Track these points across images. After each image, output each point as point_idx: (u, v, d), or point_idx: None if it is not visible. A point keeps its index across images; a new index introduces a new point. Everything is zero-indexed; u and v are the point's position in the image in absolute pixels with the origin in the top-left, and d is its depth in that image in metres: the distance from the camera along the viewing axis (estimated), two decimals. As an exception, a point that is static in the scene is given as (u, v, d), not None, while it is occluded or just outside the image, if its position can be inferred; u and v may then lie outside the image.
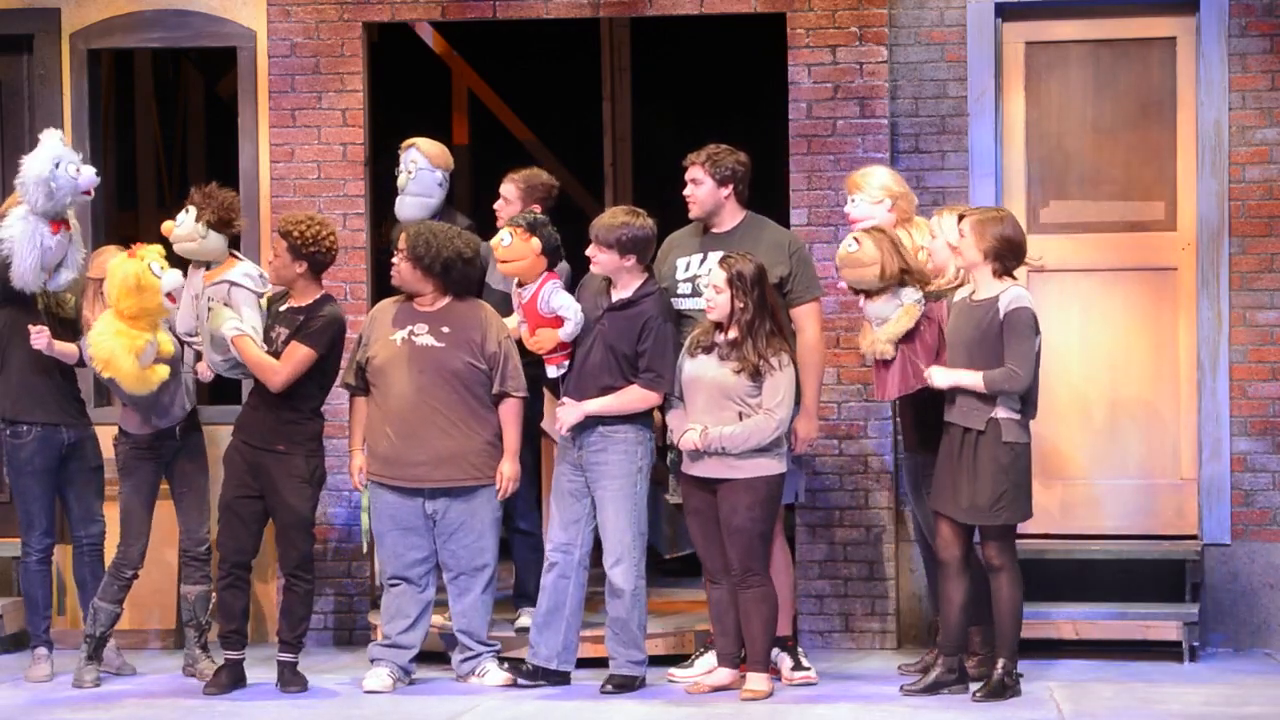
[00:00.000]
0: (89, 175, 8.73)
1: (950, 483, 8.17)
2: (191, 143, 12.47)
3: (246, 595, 8.61)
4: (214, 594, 8.78)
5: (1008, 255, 8.11)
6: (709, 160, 8.54)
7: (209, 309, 8.49)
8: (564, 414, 8.36)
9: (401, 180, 9.10)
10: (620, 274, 8.36)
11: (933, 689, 8.20)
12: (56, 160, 8.63)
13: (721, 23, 10.29)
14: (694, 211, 8.63)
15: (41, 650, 8.93)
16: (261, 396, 8.50)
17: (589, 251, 8.36)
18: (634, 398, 8.32)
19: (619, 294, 8.40)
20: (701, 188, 8.57)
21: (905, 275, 8.29)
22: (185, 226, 8.58)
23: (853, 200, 8.64)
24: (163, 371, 8.54)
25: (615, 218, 8.39)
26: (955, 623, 8.21)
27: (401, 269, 8.58)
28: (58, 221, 8.71)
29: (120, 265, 8.48)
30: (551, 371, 8.48)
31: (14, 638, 9.67)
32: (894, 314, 8.32)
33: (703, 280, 8.44)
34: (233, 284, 8.53)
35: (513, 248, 8.44)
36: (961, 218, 8.26)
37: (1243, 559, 9.35)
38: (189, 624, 8.91)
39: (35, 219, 8.66)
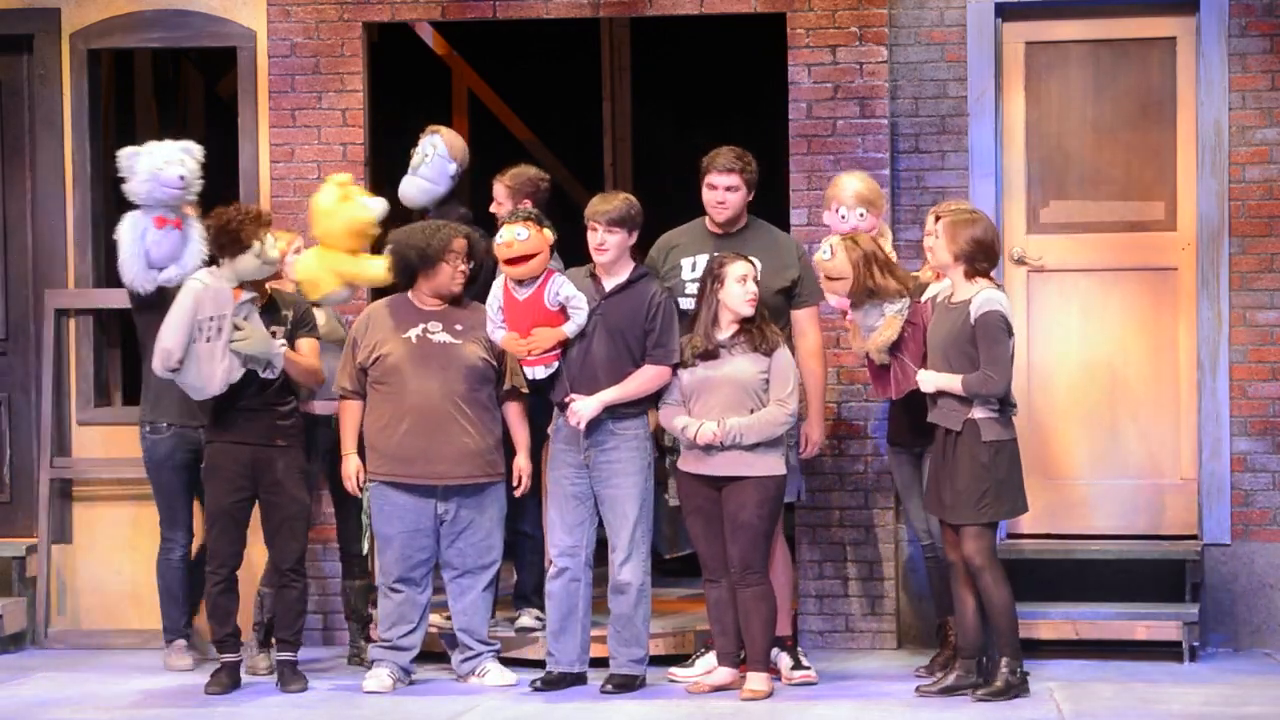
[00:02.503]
0: (172, 174, 8.76)
1: (936, 485, 8.19)
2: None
3: (238, 598, 8.61)
4: (371, 586, 8.95)
5: (979, 257, 8.10)
6: (745, 168, 8.57)
7: (237, 328, 8.34)
8: (581, 407, 8.32)
9: (415, 160, 9.08)
10: (624, 256, 8.35)
11: (950, 691, 8.18)
12: (149, 151, 8.79)
13: (721, 23, 10.29)
14: (724, 216, 8.60)
15: (180, 642, 9.09)
16: (252, 396, 8.43)
17: (598, 239, 8.31)
18: (649, 377, 8.30)
19: (615, 279, 8.37)
20: (737, 194, 8.58)
21: (872, 295, 8.28)
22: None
23: (861, 214, 8.53)
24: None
25: (611, 201, 8.37)
26: (971, 625, 8.18)
27: (467, 273, 8.60)
28: (164, 217, 8.75)
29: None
30: (540, 372, 8.40)
31: (14, 638, 9.67)
32: (878, 323, 8.34)
33: None
34: (249, 301, 8.48)
35: (531, 241, 8.35)
36: (937, 218, 8.26)
37: (1243, 559, 9.35)
38: (352, 616, 9.10)
39: (140, 215, 8.77)
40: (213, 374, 8.30)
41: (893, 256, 8.49)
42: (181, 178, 8.78)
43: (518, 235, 8.34)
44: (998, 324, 8.02)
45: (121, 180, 8.80)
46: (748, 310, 8.18)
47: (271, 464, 8.47)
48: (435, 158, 9.05)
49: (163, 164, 8.75)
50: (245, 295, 8.38)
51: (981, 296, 8.05)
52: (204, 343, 8.29)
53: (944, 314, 8.17)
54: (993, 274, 8.24)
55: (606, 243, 8.31)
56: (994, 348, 8.00)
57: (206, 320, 8.29)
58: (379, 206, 8.92)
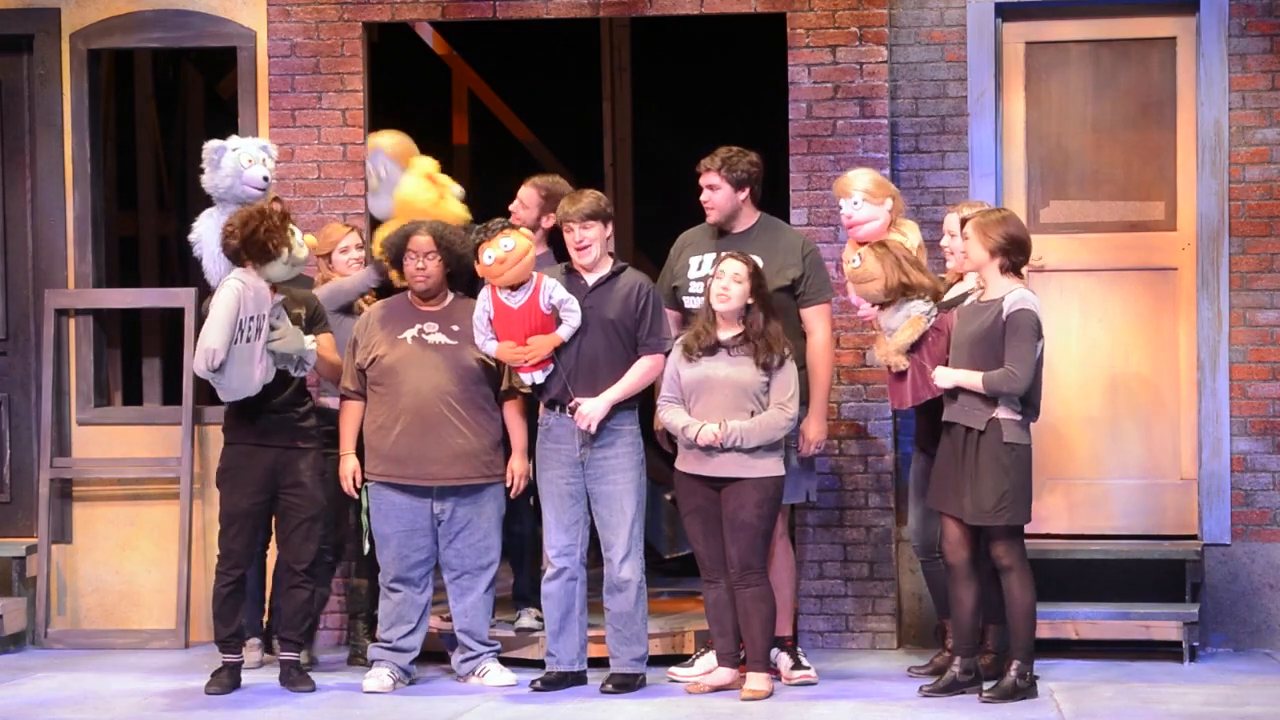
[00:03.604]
0: (256, 174, 8.84)
1: (952, 483, 8.16)
2: (191, 143, 12.44)
3: (244, 599, 8.60)
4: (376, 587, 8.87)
5: (1013, 251, 8.09)
6: (724, 165, 8.53)
7: (274, 327, 8.31)
8: (589, 410, 8.30)
9: (374, 185, 9.10)
10: (605, 250, 8.37)
11: (949, 690, 8.19)
12: (235, 146, 8.87)
13: (721, 23, 10.29)
14: (713, 217, 8.60)
15: (254, 639, 8.99)
16: (274, 398, 8.41)
17: (577, 238, 8.31)
18: (646, 369, 8.34)
19: (597, 273, 8.39)
20: (718, 193, 8.56)
21: (906, 289, 8.29)
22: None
23: (855, 202, 8.56)
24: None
25: (580, 200, 8.40)
26: (967, 626, 8.18)
27: (431, 270, 8.56)
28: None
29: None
30: (539, 377, 8.38)
31: (14, 638, 9.67)
32: (901, 325, 8.34)
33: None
34: (280, 302, 8.46)
35: (518, 246, 8.30)
36: (964, 222, 8.25)
37: (1243, 559, 9.35)
38: (358, 615, 9.08)
39: (218, 212, 8.82)
40: (251, 374, 8.24)
41: (922, 259, 8.47)
42: (265, 178, 8.89)
43: (505, 247, 8.32)
44: (1028, 323, 8.02)
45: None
46: (719, 305, 8.18)
47: (293, 465, 8.46)
48: (388, 177, 9.05)
49: (247, 162, 8.84)
50: (277, 296, 8.37)
51: (1015, 295, 8.05)
52: (244, 343, 8.20)
53: (973, 313, 8.16)
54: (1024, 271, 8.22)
55: (586, 239, 8.33)
56: (1020, 345, 8.00)
57: (247, 320, 8.20)
58: (461, 192, 9.15)
